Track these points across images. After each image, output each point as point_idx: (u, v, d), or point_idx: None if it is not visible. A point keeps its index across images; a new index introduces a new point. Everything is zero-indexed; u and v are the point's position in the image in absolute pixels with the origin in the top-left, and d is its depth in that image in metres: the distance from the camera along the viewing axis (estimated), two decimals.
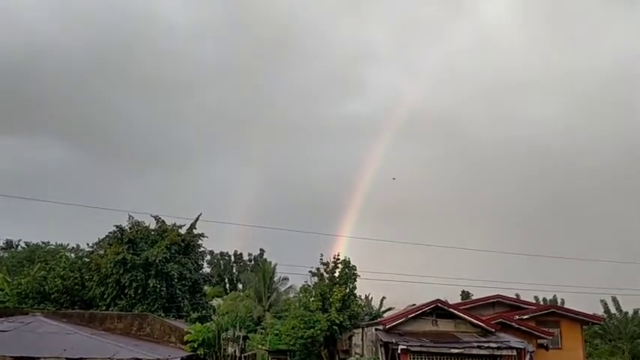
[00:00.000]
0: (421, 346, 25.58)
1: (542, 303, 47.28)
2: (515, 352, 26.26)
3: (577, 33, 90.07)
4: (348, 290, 34.38)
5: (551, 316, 32.17)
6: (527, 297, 43.26)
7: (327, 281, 34.73)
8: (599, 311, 45.23)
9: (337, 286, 33.92)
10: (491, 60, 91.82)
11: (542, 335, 29.85)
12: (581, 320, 32.53)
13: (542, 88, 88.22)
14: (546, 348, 30.07)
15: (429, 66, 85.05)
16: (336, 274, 34.84)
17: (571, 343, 31.48)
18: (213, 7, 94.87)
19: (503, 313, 31.44)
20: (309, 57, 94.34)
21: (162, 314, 37.31)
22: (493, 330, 27.94)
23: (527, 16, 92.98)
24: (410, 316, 27.95)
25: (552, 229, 74.59)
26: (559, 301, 50.88)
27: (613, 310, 46.91)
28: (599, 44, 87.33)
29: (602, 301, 46.89)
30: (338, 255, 35.44)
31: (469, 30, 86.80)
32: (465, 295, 53.28)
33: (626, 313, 46.54)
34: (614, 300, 46.90)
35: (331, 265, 35.06)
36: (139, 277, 38.61)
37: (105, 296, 39.19)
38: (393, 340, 25.99)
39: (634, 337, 43.40)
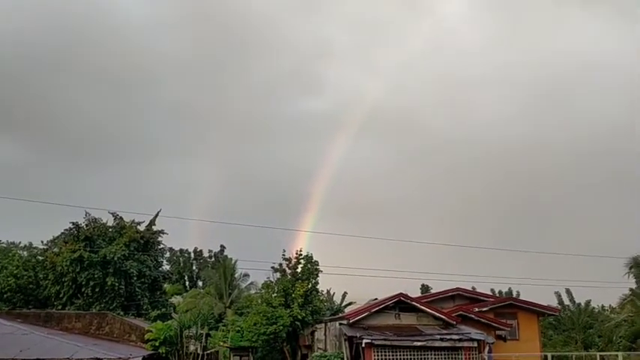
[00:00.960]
0: (385, 339, 25.77)
1: (498, 295, 48.38)
2: (475, 344, 26.72)
3: (531, 32, 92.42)
4: (310, 286, 34.34)
5: (508, 308, 32.84)
6: (484, 290, 44.18)
7: (289, 277, 34.66)
8: (554, 303, 46.63)
9: (300, 281, 33.86)
10: (449, 59, 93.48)
11: (501, 327, 30.42)
12: (537, 312, 33.33)
13: (498, 87, 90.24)
14: (504, 339, 30.67)
15: (388, 64, 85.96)
16: (299, 270, 34.78)
17: (528, 334, 32.20)
18: (174, 2, 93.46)
19: (463, 305, 31.93)
20: (269, 53, 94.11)
21: (121, 313, 36.60)
22: (454, 322, 28.35)
23: (483, 15, 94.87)
24: (373, 310, 28.10)
25: (510, 225, 76.51)
26: (514, 293, 52.25)
27: (567, 301, 48.47)
28: (552, 43, 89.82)
29: (556, 293, 48.40)
30: (300, 250, 35.41)
31: (427, 29, 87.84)
32: (425, 288, 54.08)
33: (579, 304, 48.14)
34: (568, 292, 48.47)
35: (294, 260, 35.00)
36: (96, 276, 37.79)
37: (61, 295, 38.25)
38: (357, 335, 26.10)
39: (586, 327, 44.88)
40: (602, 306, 52.92)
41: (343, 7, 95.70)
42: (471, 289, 38.08)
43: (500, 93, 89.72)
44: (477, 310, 30.95)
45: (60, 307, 37.47)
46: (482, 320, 29.93)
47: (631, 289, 40.30)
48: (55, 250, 40.37)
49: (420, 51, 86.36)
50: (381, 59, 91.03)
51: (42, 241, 44.02)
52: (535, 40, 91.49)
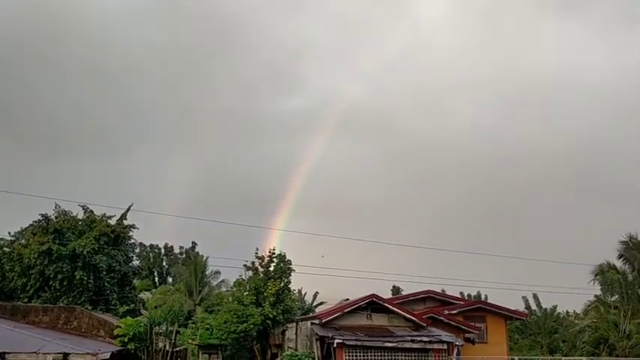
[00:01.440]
0: (356, 340, 25.93)
1: (467, 298, 49.00)
2: (445, 346, 27.08)
3: (509, 39, 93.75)
4: (282, 284, 34.30)
5: (477, 311, 33.33)
6: (454, 292, 44.71)
7: (261, 275, 34.56)
8: (521, 307, 47.41)
9: (272, 280, 33.79)
10: (428, 61, 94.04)
11: (470, 330, 30.86)
12: (505, 315, 33.91)
13: (475, 92, 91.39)
14: (473, 342, 31.12)
15: (368, 65, 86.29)
16: (271, 269, 34.71)
17: (496, 337, 32.73)
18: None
19: (433, 308, 32.32)
20: (248, 50, 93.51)
21: (89, 307, 36.07)
22: (425, 324, 28.67)
23: (463, 19, 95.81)
24: (346, 310, 28.25)
25: (479, 228, 77.51)
26: (483, 296, 52.96)
27: (534, 306, 49.34)
28: (529, 51, 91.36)
29: (523, 297, 49.22)
30: (273, 249, 35.33)
31: (406, 31, 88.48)
32: (396, 290, 54.43)
33: (546, 309, 49.05)
34: (535, 297, 49.35)
35: (266, 259, 34.91)
36: (64, 269, 37.16)
37: (27, 288, 37.54)
38: (329, 335, 26.22)
39: (551, 332, 45.72)
40: (567, 312, 54.03)
41: (324, 7, 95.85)
42: (441, 291, 38.54)
43: (477, 98, 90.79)
44: (446, 312, 31.34)
45: (26, 300, 36.76)
46: (452, 323, 30.36)
47: (596, 296, 41.23)
48: (23, 241, 39.54)
49: (399, 53, 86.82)
50: (360, 60, 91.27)
51: (9, 233, 43.04)
52: (513, 47, 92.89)
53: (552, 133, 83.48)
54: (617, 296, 39.21)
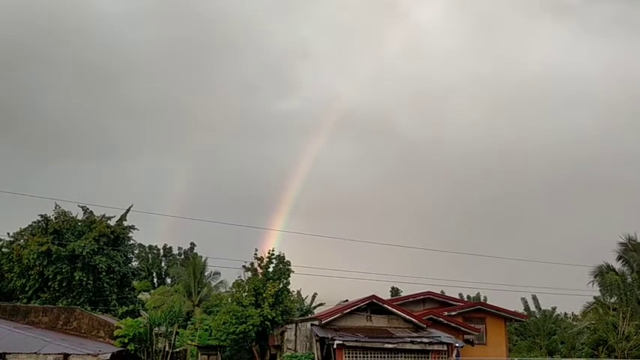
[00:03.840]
0: (356, 341, 25.93)
1: (466, 300, 49.03)
2: (445, 347, 27.06)
3: (503, 42, 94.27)
4: (281, 285, 34.24)
5: (477, 312, 33.37)
6: (453, 294, 44.77)
7: (260, 276, 34.52)
8: (520, 309, 47.46)
9: (271, 281, 33.75)
10: (422, 64, 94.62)
11: (469, 331, 30.86)
12: (504, 317, 33.91)
13: (469, 93, 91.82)
14: (472, 343, 31.12)
15: (363, 67, 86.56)
16: (270, 269, 34.66)
17: (495, 339, 32.75)
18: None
19: (433, 309, 32.33)
20: (245, 52, 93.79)
21: (88, 308, 36.04)
22: (424, 326, 28.68)
23: (457, 23, 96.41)
24: (346, 311, 28.26)
25: (478, 229, 77.66)
26: (482, 298, 53.00)
27: (533, 307, 49.36)
28: (523, 54, 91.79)
29: (522, 299, 49.26)
30: (272, 250, 35.28)
31: (402, 34, 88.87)
32: (395, 291, 54.41)
33: (545, 311, 49.09)
34: (534, 298, 49.39)
35: (265, 260, 34.87)
36: (64, 270, 37.16)
37: (26, 289, 37.56)
38: (329, 336, 26.22)
39: (550, 333, 45.76)
40: (566, 313, 54.09)
41: (321, 9, 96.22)
42: (440, 292, 38.57)
43: (471, 99, 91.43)
44: (446, 314, 31.35)
45: (25, 300, 36.76)
46: (452, 324, 30.37)
47: (595, 298, 41.30)
48: (22, 242, 39.50)
49: (395, 56, 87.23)
50: (356, 62, 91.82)
51: (8, 233, 43.00)
52: (507, 49, 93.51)
53: (550, 133, 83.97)
54: (615, 298, 39.26)
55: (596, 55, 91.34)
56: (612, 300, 39.67)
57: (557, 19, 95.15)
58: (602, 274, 39.91)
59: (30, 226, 39.64)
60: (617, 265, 40.34)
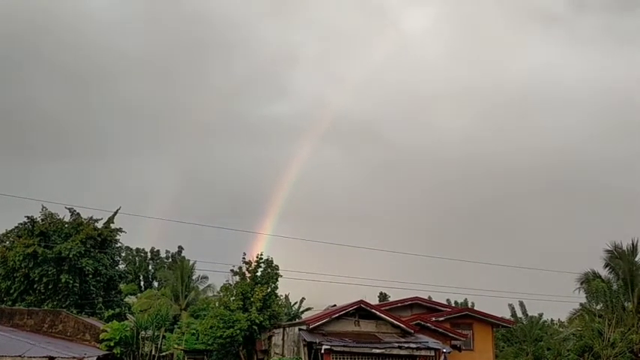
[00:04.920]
0: (344, 346, 25.96)
1: (454, 305, 49.16)
2: (432, 353, 27.14)
3: (491, 51, 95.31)
4: (269, 290, 34.16)
5: (464, 318, 33.54)
6: (441, 299, 44.86)
7: (249, 280, 34.41)
8: (507, 315, 47.65)
9: (259, 285, 33.67)
10: (411, 71, 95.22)
11: (457, 337, 30.97)
12: (492, 323, 34.12)
13: (458, 100, 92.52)
14: (459, 349, 31.20)
15: (352, 73, 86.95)
16: (258, 274, 34.56)
17: (482, 344, 32.92)
18: (137, 2, 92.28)
19: (420, 314, 32.43)
20: (234, 56, 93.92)
21: (74, 311, 35.69)
22: (412, 331, 28.75)
23: (446, 31, 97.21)
24: (334, 316, 28.28)
25: (466, 234, 78.03)
26: (469, 304, 53.19)
27: (519, 314, 49.59)
28: (510, 62, 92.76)
29: (509, 305, 49.47)
30: (261, 254, 35.19)
31: (391, 41, 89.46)
32: (383, 296, 54.52)
33: (532, 317, 49.31)
34: (521, 304, 49.62)
35: (254, 264, 34.76)
36: (50, 272, 36.73)
37: (11, 291, 37.08)
38: (317, 340, 26.20)
39: (537, 339, 45.93)
40: (552, 319, 54.33)
41: (310, 15, 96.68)
42: (427, 298, 38.66)
43: (460, 106, 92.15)
44: (434, 319, 31.49)
45: (10, 303, 36.28)
46: (439, 330, 30.48)
47: (581, 304, 41.54)
48: (7, 244, 39.07)
49: (384, 62, 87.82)
50: (345, 67, 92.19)
51: None
52: (494, 57, 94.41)
53: (536, 139, 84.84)
54: (601, 305, 39.51)
55: (583, 65, 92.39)
56: (598, 307, 39.91)
57: (545, 29, 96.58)
58: (589, 280, 40.16)
59: (16, 227, 39.16)
60: (604, 272, 40.63)
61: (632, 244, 39.24)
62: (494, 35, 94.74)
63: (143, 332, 30.94)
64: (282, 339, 31.02)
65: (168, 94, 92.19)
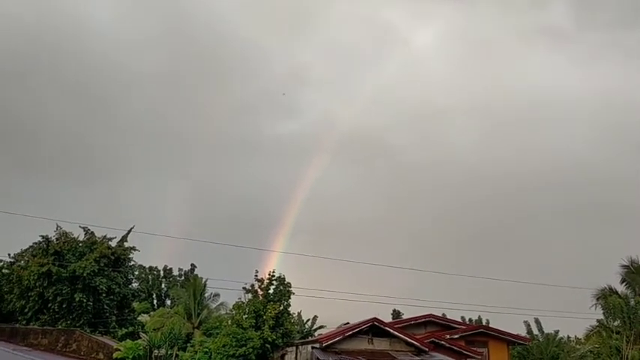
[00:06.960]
0: None
1: (468, 323, 48.56)
2: None
3: (499, 67, 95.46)
4: (282, 307, 34.04)
5: (480, 336, 33.11)
6: (455, 317, 44.36)
7: (261, 298, 34.31)
8: (523, 332, 46.93)
9: (271, 303, 33.56)
10: (419, 87, 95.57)
11: (472, 355, 30.56)
12: (507, 340, 33.70)
13: (465, 116, 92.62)
14: None
15: (361, 90, 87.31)
16: (271, 291, 34.46)
17: None
18: (153, 20, 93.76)
19: (435, 332, 32.11)
20: (245, 75, 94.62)
21: (88, 330, 35.75)
22: (426, 349, 28.45)
23: (455, 48, 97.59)
24: (347, 334, 28.05)
25: (480, 251, 77.37)
26: (484, 321, 52.47)
27: (535, 331, 48.81)
28: (518, 78, 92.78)
29: (525, 322, 48.71)
30: (273, 271, 35.12)
31: (400, 58, 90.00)
32: (396, 314, 53.99)
33: (548, 334, 48.54)
34: (537, 321, 48.83)
35: (266, 281, 34.68)
36: (64, 291, 36.93)
37: (26, 310, 37.27)
38: (330, 359, 25.99)
39: (554, 357, 45.14)
40: (568, 336, 53.46)
41: (322, 34, 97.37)
42: (441, 315, 38.25)
43: (467, 122, 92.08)
44: (448, 337, 31.15)
45: (24, 322, 36.48)
46: (454, 348, 30.13)
47: (598, 321, 40.91)
48: (22, 263, 39.35)
49: (393, 78, 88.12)
50: (355, 85, 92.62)
51: (8, 254, 42.90)
52: (502, 73, 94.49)
53: (548, 155, 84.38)
54: (619, 321, 38.89)
55: (588, 82, 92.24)
56: (615, 323, 39.28)
57: (552, 45, 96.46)
58: (605, 296, 39.62)
59: (31, 247, 39.52)
60: (621, 288, 40.08)
61: None
62: (502, 52, 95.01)
63: (156, 351, 30.92)
64: (296, 357, 30.82)
65: (178, 115, 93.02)
